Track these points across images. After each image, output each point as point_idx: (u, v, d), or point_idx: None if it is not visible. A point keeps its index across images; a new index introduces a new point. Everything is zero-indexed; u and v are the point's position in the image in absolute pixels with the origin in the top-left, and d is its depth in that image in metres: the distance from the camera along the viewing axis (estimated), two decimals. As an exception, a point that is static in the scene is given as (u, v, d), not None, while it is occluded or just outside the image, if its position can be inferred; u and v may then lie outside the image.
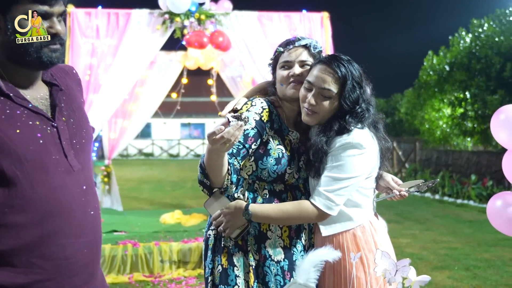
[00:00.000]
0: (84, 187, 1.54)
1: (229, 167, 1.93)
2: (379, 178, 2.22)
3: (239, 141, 2.00)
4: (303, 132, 2.21)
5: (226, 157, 1.89)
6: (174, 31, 5.81)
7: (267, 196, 2.10)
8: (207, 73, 8.28)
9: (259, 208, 2.03)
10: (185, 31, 5.81)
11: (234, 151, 1.99)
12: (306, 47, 2.17)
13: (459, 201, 11.19)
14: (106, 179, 7.50)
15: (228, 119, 1.72)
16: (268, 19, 5.77)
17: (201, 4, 5.87)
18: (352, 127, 2.02)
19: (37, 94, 1.51)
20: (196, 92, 24.09)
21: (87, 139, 1.61)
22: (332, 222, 2.07)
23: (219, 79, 8.10)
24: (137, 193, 12.39)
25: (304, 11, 5.93)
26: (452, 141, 15.20)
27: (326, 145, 2.02)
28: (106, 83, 5.69)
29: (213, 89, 8.08)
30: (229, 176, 1.94)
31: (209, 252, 2.12)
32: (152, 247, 5.17)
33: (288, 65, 2.16)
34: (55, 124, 1.49)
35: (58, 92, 1.56)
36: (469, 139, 14.53)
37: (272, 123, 2.14)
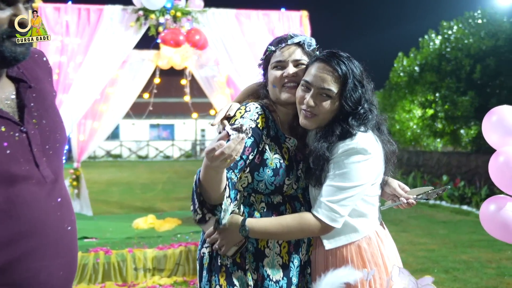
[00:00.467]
0: (59, 199, 1.33)
1: (227, 182, 1.74)
2: (384, 184, 2.07)
3: None
4: (300, 137, 2.05)
5: (225, 172, 1.70)
6: (148, 29, 5.57)
7: (265, 210, 1.93)
8: (177, 73, 8.07)
9: (257, 223, 1.85)
10: (160, 29, 5.58)
11: (231, 164, 1.81)
12: (299, 45, 2.01)
13: (431, 201, 11.24)
14: (75, 183, 7.21)
15: (228, 133, 1.54)
16: (246, 17, 5.60)
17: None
18: (356, 131, 1.87)
19: (2, 94, 1.30)
20: (165, 93, 23.71)
21: (61, 143, 1.40)
22: (336, 234, 1.91)
23: (191, 79, 7.89)
24: (106, 196, 12.04)
25: (283, 10, 5.79)
26: (423, 142, 15.37)
27: (328, 151, 1.86)
28: (76, 82, 5.41)
29: (187, 89, 7.86)
30: (228, 192, 1.75)
31: (205, 272, 1.93)
32: (125, 254, 4.94)
33: (281, 65, 1.99)
34: (24, 129, 1.28)
35: (26, 90, 1.34)
36: (439, 140, 14.72)
37: (269, 130, 1.96)
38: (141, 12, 5.40)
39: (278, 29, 5.62)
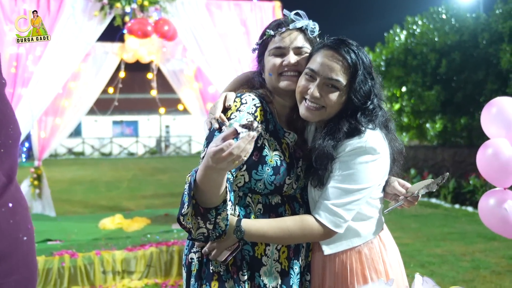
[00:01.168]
0: (11, 204, 1.10)
1: (227, 184, 1.54)
2: (385, 184, 1.91)
3: None
4: (300, 132, 1.86)
5: (226, 174, 1.51)
6: (113, 19, 5.26)
7: (262, 212, 1.73)
8: (141, 68, 7.76)
9: (254, 224, 1.65)
10: (126, 19, 5.28)
11: (239, 165, 1.58)
12: (301, 30, 1.81)
13: (400, 195, 11.30)
14: (36, 182, 6.84)
15: (236, 130, 1.35)
16: (217, 7, 5.37)
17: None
18: (365, 128, 1.70)
19: None
20: (129, 88, 23.22)
21: (15, 139, 1.15)
22: (337, 239, 1.75)
23: (157, 73, 7.61)
24: (69, 195, 11.62)
25: (254, 0, 5.59)
26: (389, 136, 15.49)
27: (334, 149, 1.68)
28: (36, 76, 5.06)
29: (154, 84, 7.56)
30: (227, 195, 1.55)
31: (193, 280, 1.72)
32: (93, 257, 4.67)
33: (281, 52, 1.79)
34: None
35: None
36: (405, 134, 14.86)
37: (267, 123, 1.77)
38: (105, 1, 5.07)
39: (250, 20, 5.42)
